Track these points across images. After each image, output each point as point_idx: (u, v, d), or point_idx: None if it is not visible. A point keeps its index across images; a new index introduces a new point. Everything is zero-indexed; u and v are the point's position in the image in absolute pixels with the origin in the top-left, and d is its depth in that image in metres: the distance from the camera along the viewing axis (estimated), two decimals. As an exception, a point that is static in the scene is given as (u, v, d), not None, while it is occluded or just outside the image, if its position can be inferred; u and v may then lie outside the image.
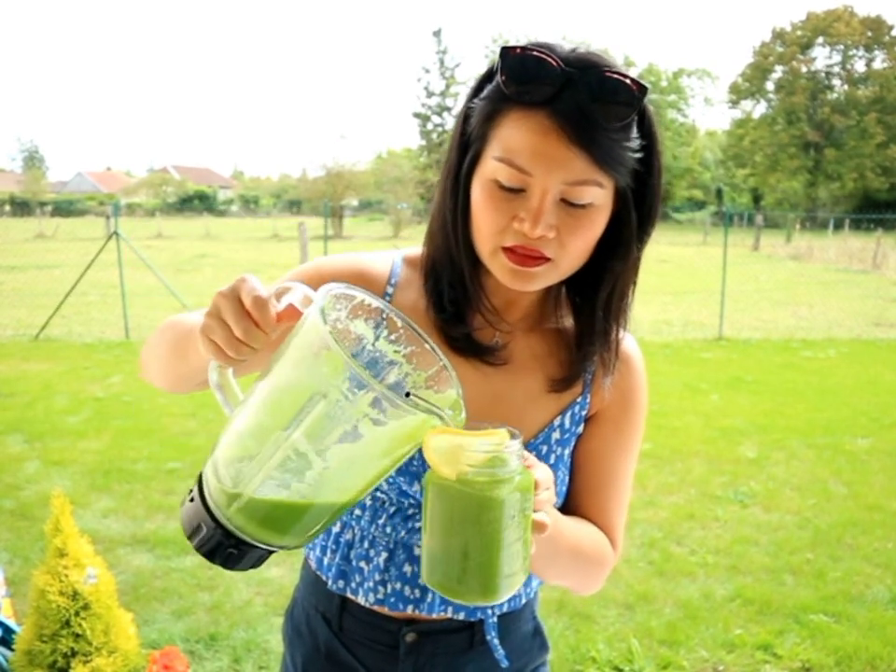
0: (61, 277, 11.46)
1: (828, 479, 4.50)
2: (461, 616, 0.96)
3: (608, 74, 0.75)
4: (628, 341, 0.96)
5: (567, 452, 0.96)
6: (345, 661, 1.00)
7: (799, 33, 47.83)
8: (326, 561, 0.99)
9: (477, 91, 0.83)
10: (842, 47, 47.30)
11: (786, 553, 3.54)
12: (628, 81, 0.75)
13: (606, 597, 3.08)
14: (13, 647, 2.03)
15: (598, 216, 0.80)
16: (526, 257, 0.80)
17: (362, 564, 0.96)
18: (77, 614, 1.95)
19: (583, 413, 0.96)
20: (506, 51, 0.77)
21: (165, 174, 60.09)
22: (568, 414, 0.95)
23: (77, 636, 1.95)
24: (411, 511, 0.92)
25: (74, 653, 1.95)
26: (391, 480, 0.89)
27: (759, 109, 50.97)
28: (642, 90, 0.75)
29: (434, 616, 0.95)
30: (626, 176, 0.79)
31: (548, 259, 0.80)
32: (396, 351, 0.72)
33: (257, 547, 0.68)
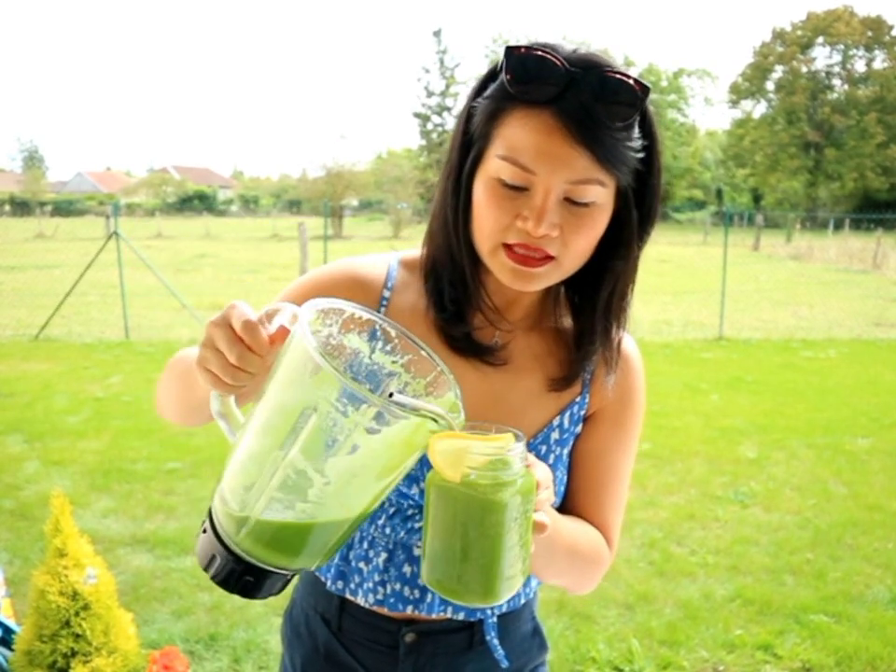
0: (60, 277, 11.47)
1: (828, 479, 4.50)
2: (460, 616, 0.96)
3: (611, 74, 0.75)
4: (627, 340, 0.97)
5: (565, 452, 0.96)
6: (345, 661, 1.00)
7: (799, 33, 47.85)
8: (325, 561, 0.99)
9: (480, 89, 0.83)
10: (842, 47, 47.31)
11: (786, 554, 3.54)
12: (631, 81, 0.75)
13: (606, 597, 3.08)
14: (13, 647, 2.03)
15: (600, 215, 0.80)
16: (528, 257, 0.80)
17: (361, 564, 0.95)
18: (76, 614, 1.95)
19: (582, 412, 0.96)
20: (510, 51, 0.77)
21: (165, 174, 60.10)
22: (567, 414, 0.95)
23: (77, 636, 1.95)
24: (410, 512, 0.92)
25: (74, 653, 1.95)
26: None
27: (759, 109, 51.07)
28: (645, 90, 0.76)
29: (433, 616, 0.95)
30: (628, 176, 0.80)
31: (550, 259, 0.80)
32: (393, 361, 0.72)
33: (272, 572, 0.68)
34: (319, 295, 0.74)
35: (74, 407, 5.69)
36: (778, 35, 48.70)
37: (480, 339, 0.91)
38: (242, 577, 0.68)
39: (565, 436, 0.95)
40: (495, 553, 0.65)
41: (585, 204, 0.78)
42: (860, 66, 48.09)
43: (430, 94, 48.57)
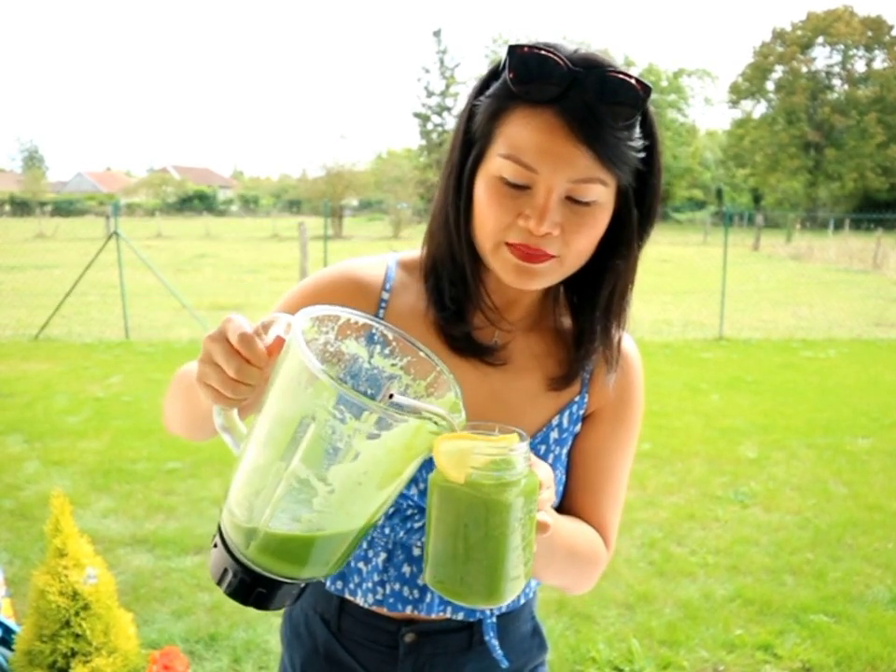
0: (60, 277, 11.48)
1: (828, 479, 4.50)
2: (460, 616, 0.96)
3: (613, 74, 0.76)
4: (626, 340, 0.97)
5: (564, 451, 0.96)
6: (344, 662, 1.00)
7: (799, 33, 47.85)
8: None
9: (482, 88, 0.83)
10: (842, 47, 47.31)
11: (786, 554, 3.54)
12: (633, 81, 0.76)
13: (606, 597, 3.08)
14: (13, 647, 2.03)
15: (602, 214, 0.81)
16: (531, 254, 0.80)
17: (361, 564, 0.95)
18: (76, 614, 1.95)
19: (581, 412, 0.96)
20: (513, 50, 0.77)
21: (165, 174, 60.11)
22: (566, 414, 0.95)
23: (77, 636, 1.95)
24: (409, 512, 0.92)
25: (74, 653, 1.95)
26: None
27: (759, 109, 51.07)
28: (646, 90, 0.76)
29: (433, 616, 0.95)
30: (629, 175, 0.80)
31: (552, 257, 0.80)
32: (393, 364, 0.72)
33: (283, 583, 0.68)
34: (319, 300, 0.74)
35: (74, 407, 5.69)
36: (778, 35, 48.70)
37: (479, 339, 0.91)
38: (254, 589, 0.68)
39: (564, 435, 0.95)
40: (499, 554, 0.64)
41: (587, 203, 0.78)
42: (860, 66, 48.15)
43: (430, 94, 48.57)
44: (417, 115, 48.86)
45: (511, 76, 0.77)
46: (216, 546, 0.70)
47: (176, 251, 20.86)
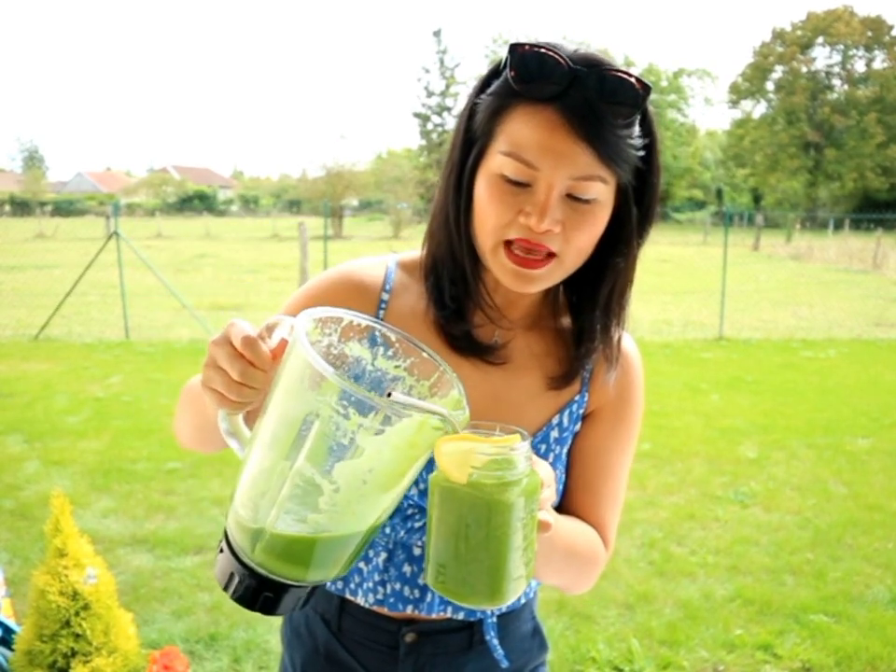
0: (60, 277, 11.47)
1: (828, 479, 4.50)
2: (460, 616, 0.96)
3: (613, 73, 0.76)
4: (626, 339, 0.97)
5: (564, 450, 0.96)
6: (345, 662, 1.00)
7: (799, 33, 47.84)
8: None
9: (483, 87, 0.83)
10: (842, 47, 47.31)
11: (786, 554, 3.54)
12: (633, 80, 0.76)
13: (606, 597, 3.08)
14: (13, 647, 2.03)
15: (602, 212, 0.81)
16: (529, 259, 0.80)
17: (361, 564, 0.95)
18: (76, 614, 1.95)
19: (581, 411, 0.96)
20: (514, 48, 0.78)
21: (165, 174, 60.13)
22: (566, 413, 0.95)
23: (77, 636, 1.95)
24: (410, 512, 0.92)
25: (74, 653, 1.94)
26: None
27: (759, 109, 51.06)
28: (646, 88, 0.77)
29: (433, 616, 0.95)
30: (628, 173, 0.81)
31: (551, 257, 0.80)
32: (396, 366, 0.72)
33: (290, 586, 0.68)
34: (320, 303, 0.74)
35: (74, 407, 5.69)
36: (778, 35, 48.70)
37: (480, 337, 0.92)
38: (261, 593, 0.68)
39: (564, 434, 0.95)
40: (501, 554, 0.64)
41: (587, 201, 0.79)
42: (860, 66, 48.13)
43: (430, 94, 48.56)
44: (417, 115, 48.86)
45: (512, 74, 0.77)
46: (221, 551, 0.70)
47: (176, 251, 20.86)
